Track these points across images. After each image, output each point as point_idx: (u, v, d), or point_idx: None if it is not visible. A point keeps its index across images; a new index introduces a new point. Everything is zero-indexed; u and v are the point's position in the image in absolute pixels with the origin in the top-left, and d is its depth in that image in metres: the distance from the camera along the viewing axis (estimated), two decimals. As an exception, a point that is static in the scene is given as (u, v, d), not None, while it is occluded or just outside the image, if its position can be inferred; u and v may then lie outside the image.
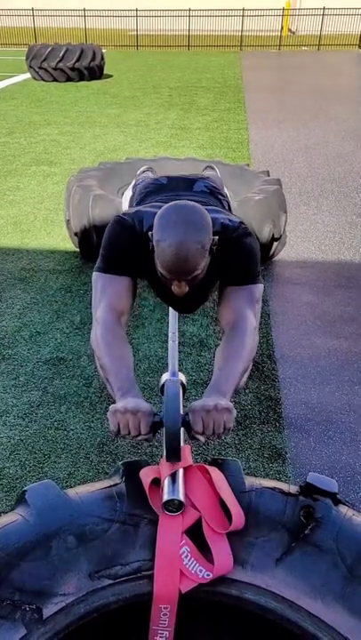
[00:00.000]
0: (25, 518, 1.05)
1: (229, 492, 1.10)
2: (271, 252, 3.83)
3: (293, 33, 25.70)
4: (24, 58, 12.96)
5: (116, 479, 1.14)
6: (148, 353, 2.92)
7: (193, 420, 1.18)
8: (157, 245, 1.32)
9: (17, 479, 2.14)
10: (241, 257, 1.46)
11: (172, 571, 1.04)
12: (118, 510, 1.08)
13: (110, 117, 8.92)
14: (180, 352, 2.85)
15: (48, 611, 0.99)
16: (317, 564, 1.05)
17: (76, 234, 3.74)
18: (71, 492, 1.11)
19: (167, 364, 2.16)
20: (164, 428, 1.14)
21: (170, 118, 8.85)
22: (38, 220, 4.70)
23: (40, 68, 12.46)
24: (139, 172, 2.57)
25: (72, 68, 12.47)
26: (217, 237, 1.39)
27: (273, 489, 1.12)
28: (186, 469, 1.15)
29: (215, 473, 1.14)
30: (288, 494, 1.11)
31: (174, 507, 1.08)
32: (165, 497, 1.08)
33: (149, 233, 1.38)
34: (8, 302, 3.43)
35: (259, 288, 1.49)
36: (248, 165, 4.45)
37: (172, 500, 1.07)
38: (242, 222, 1.51)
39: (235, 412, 1.20)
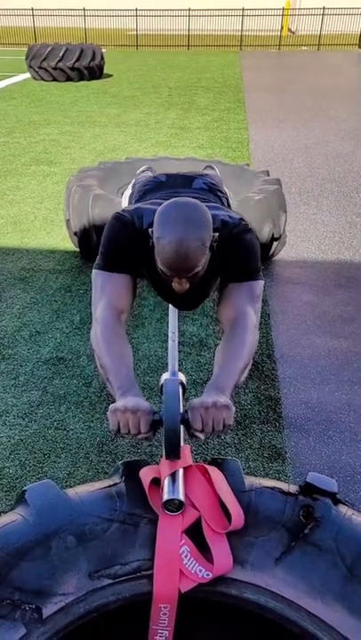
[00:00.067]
0: (25, 518, 1.05)
1: (229, 491, 1.10)
2: (271, 252, 3.83)
3: (293, 33, 25.70)
4: (24, 57, 12.95)
5: (116, 479, 1.14)
6: (147, 353, 2.92)
7: (192, 417, 1.18)
8: (158, 242, 1.32)
9: (17, 479, 2.14)
10: (241, 253, 1.46)
11: (171, 570, 1.04)
12: (118, 510, 1.08)
13: (110, 117, 8.91)
14: (179, 352, 2.85)
15: (48, 610, 0.99)
16: (317, 563, 1.05)
17: (75, 233, 3.74)
18: (71, 491, 1.11)
19: (167, 363, 2.16)
20: (163, 427, 1.14)
21: (170, 118, 8.85)
22: (38, 220, 4.70)
23: (40, 67, 12.45)
24: (138, 172, 2.57)
25: (72, 68, 12.47)
26: (217, 234, 1.39)
27: (273, 488, 1.12)
28: (186, 469, 1.15)
29: (215, 473, 1.14)
30: (288, 494, 1.11)
31: (174, 506, 1.08)
32: (165, 497, 1.08)
33: (149, 230, 1.38)
34: (8, 302, 3.43)
35: (259, 284, 1.49)
36: (248, 165, 4.45)
37: (171, 500, 1.07)
38: (242, 219, 1.51)
39: (233, 409, 1.20)
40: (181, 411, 1.19)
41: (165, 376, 1.44)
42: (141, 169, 2.59)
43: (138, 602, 1.04)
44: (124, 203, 2.42)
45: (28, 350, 2.94)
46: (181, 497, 1.08)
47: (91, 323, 1.47)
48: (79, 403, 2.56)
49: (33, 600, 1.00)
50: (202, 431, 1.19)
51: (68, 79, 12.62)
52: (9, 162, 6.43)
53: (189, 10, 22.15)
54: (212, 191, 1.77)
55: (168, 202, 1.36)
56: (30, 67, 12.64)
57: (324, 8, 21.83)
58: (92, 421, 2.44)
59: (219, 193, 1.80)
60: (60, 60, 12.31)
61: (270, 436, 2.37)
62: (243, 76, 13.85)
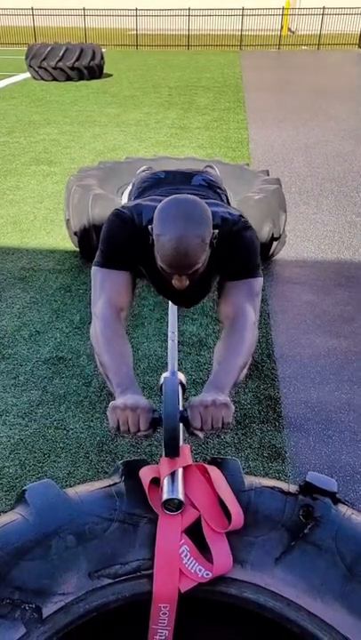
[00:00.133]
0: (24, 517, 1.05)
1: (229, 491, 1.10)
2: (271, 252, 3.83)
3: (293, 32, 25.71)
4: (24, 57, 12.95)
5: (116, 478, 1.14)
6: (147, 352, 2.92)
7: (191, 415, 1.18)
8: (157, 239, 1.32)
9: (17, 478, 2.14)
10: (241, 250, 1.46)
11: (171, 570, 1.04)
12: (118, 509, 1.08)
13: (110, 117, 8.91)
14: (179, 351, 2.85)
15: (47, 610, 0.99)
16: (317, 562, 1.05)
17: (75, 233, 3.74)
18: (71, 491, 1.11)
19: (166, 363, 2.16)
20: (162, 425, 1.14)
21: (169, 118, 8.84)
22: (38, 220, 4.70)
23: (40, 67, 12.45)
24: (138, 172, 2.57)
25: (72, 68, 12.47)
26: (217, 231, 1.39)
27: (272, 488, 1.12)
28: (185, 469, 1.15)
29: (215, 472, 1.13)
30: (287, 493, 1.11)
31: (174, 506, 1.07)
32: (165, 496, 1.08)
33: (149, 227, 1.37)
34: (8, 302, 3.43)
35: (259, 281, 1.49)
36: (248, 165, 4.45)
37: (171, 500, 1.07)
38: (241, 215, 1.51)
39: (233, 407, 1.20)
40: (181, 409, 1.19)
41: (165, 375, 1.44)
42: (141, 169, 2.58)
43: (138, 601, 1.04)
44: (125, 202, 2.42)
45: (28, 350, 2.94)
46: (181, 496, 1.08)
47: (90, 322, 1.47)
48: (79, 402, 2.56)
49: (33, 599, 1.00)
50: (201, 429, 1.19)
51: (68, 79, 12.62)
52: (9, 161, 6.43)
53: (189, 9, 22.15)
54: (212, 188, 1.77)
55: (168, 199, 1.36)
56: (30, 66, 12.64)
57: (323, 8, 21.83)
58: (91, 421, 2.44)
59: (218, 189, 1.79)
60: (59, 60, 12.31)
61: (270, 435, 2.37)
62: (243, 75, 13.85)
